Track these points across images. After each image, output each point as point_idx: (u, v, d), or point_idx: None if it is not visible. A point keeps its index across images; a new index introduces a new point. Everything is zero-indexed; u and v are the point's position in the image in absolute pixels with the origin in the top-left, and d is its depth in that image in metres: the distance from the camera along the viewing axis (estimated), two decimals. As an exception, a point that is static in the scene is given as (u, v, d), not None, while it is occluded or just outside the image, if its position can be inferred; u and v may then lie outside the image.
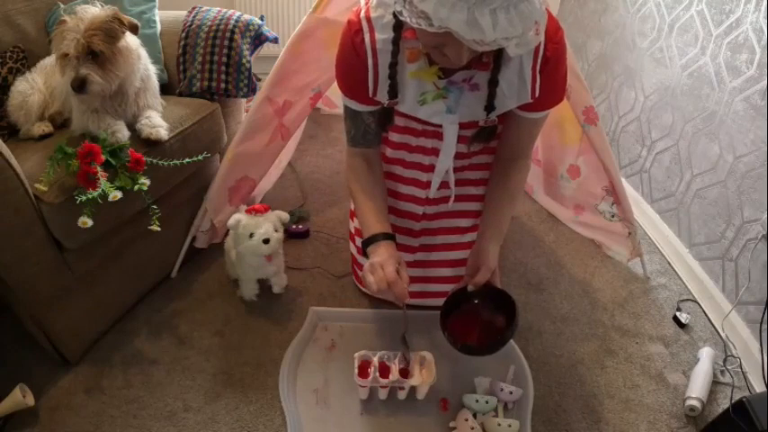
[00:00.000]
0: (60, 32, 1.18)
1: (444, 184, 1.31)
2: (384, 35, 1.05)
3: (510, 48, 0.89)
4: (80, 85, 1.18)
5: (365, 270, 1.14)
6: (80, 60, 1.17)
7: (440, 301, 1.35)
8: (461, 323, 1.20)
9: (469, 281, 1.18)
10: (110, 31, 1.19)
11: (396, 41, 1.05)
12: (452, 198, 1.32)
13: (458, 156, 1.29)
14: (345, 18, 1.11)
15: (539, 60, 1.05)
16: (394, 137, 1.32)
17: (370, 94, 1.14)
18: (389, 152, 1.34)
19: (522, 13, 0.83)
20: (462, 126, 1.18)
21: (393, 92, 1.10)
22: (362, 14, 1.06)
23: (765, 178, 1.39)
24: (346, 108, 1.22)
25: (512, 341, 1.42)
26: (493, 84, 1.06)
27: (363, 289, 1.55)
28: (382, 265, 1.12)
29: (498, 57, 1.03)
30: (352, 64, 1.10)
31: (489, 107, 1.09)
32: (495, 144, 1.30)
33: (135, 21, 1.26)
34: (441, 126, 1.18)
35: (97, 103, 1.27)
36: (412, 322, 1.35)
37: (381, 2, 1.04)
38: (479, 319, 1.22)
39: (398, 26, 1.03)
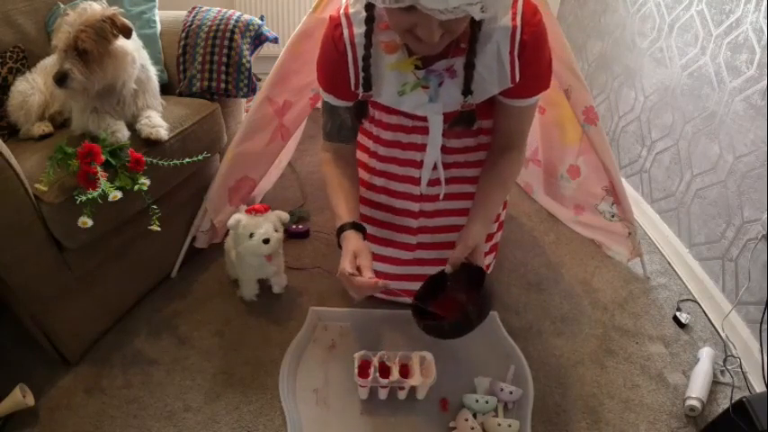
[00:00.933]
0: (59, 25, 1.19)
1: (437, 182, 1.31)
2: (360, 29, 1.08)
3: (475, 12, 0.88)
4: (60, 79, 1.17)
5: (339, 278, 1.12)
6: (66, 54, 1.17)
7: None
8: (441, 307, 1.14)
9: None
10: (100, 30, 1.19)
11: (368, 35, 1.07)
12: (443, 193, 1.32)
13: (453, 152, 1.30)
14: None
15: (516, 44, 1.05)
16: (386, 135, 1.32)
17: (352, 88, 1.15)
18: (383, 150, 1.35)
19: None
20: (447, 118, 1.18)
21: (367, 84, 1.12)
22: (342, 11, 1.10)
23: (765, 178, 1.39)
24: (324, 102, 1.24)
25: (511, 341, 1.42)
26: (469, 67, 1.06)
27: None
28: (342, 270, 1.10)
29: (473, 40, 1.04)
30: (332, 58, 1.13)
31: (466, 91, 1.09)
32: (490, 140, 1.30)
33: (129, 24, 1.25)
34: (424, 114, 1.19)
35: (94, 102, 1.27)
36: (413, 322, 1.34)
37: None
38: (452, 299, 1.16)
39: (370, 19, 1.05)
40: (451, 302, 1.15)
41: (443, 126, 1.20)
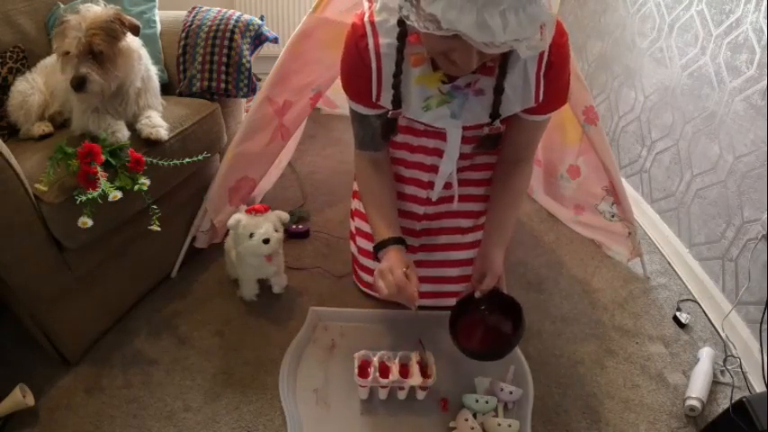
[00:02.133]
0: (62, 30, 1.18)
1: (447, 185, 1.31)
2: (388, 39, 1.04)
3: (521, 49, 0.88)
4: (79, 84, 1.18)
5: (376, 275, 1.15)
6: (80, 59, 1.18)
7: (442, 302, 1.35)
8: (469, 329, 1.22)
9: (477, 286, 1.20)
10: (111, 31, 1.20)
11: (400, 50, 1.04)
12: (456, 198, 1.32)
13: (460, 156, 1.29)
14: (346, 19, 1.11)
15: (543, 65, 1.04)
16: (396, 137, 1.32)
17: (374, 99, 1.13)
18: (390, 151, 1.34)
19: (531, 15, 0.82)
20: (466, 127, 1.17)
21: (397, 101, 1.10)
22: (366, 18, 1.05)
23: (765, 178, 1.39)
24: (353, 112, 1.21)
25: (512, 341, 1.43)
26: (498, 91, 1.06)
27: (365, 290, 1.55)
28: (391, 269, 1.13)
29: (504, 63, 1.03)
30: (357, 68, 1.10)
31: (494, 114, 1.09)
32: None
33: (136, 22, 1.26)
34: (443, 127, 1.18)
35: (98, 103, 1.27)
36: (413, 322, 1.35)
37: (385, 6, 1.03)
38: (486, 324, 1.24)
39: (403, 34, 1.02)
40: (481, 322, 1.25)
41: (464, 133, 1.19)
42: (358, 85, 1.14)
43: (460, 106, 1.10)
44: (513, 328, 1.19)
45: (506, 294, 1.21)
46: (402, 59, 1.05)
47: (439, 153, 1.26)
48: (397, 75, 1.06)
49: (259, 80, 1.59)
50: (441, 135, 1.22)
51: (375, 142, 1.24)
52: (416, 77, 1.08)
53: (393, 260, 1.15)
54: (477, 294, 1.19)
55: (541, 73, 1.05)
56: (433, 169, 1.30)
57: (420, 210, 1.37)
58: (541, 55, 1.03)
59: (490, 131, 1.12)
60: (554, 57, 1.04)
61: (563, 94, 1.16)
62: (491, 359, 1.21)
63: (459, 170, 1.31)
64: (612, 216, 1.72)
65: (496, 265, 1.18)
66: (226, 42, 1.55)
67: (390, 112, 1.13)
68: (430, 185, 1.33)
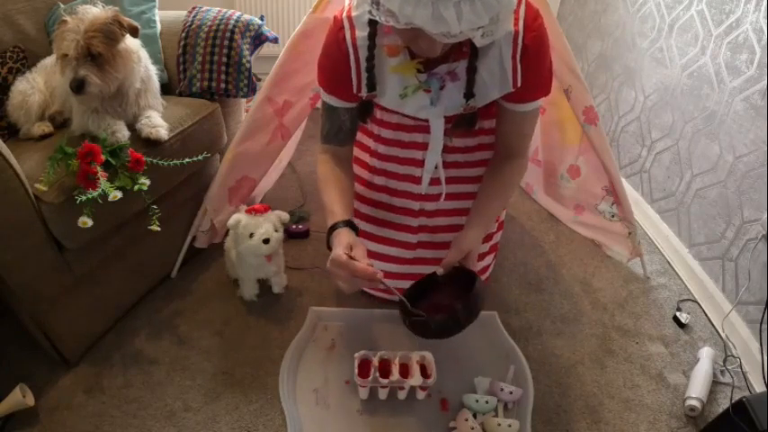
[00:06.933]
0: (61, 33, 1.19)
1: (438, 182, 1.31)
2: (363, 32, 1.08)
3: (476, 39, 0.90)
4: (78, 86, 1.18)
5: (329, 270, 1.09)
6: (79, 61, 1.18)
7: None
8: (428, 309, 1.12)
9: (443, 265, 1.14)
10: (109, 33, 1.20)
11: (371, 37, 1.07)
12: (443, 195, 1.32)
13: (453, 151, 1.30)
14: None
15: (518, 49, 1.05)
16: (387, 133, 1.32)
17: (355, 90, 1.15)
18: (383, 149, 1.35)
19: (486, 3, 0.84)
20: (449, 120, 1.18)
21: (371, 85, 1.12)
22: (345, 14, 1.10)
23: (765, 178, 1.39)
24: (324, 104, 1.24)
25: (511, 341, 1.42)
26: (471, 71, 1.07)
27: (365, 289, 1.52)
28: (335, 260, 1.07)
29: (476, 45, 1.04)
30: (335, 59, 1.13)
31: (468, 94, 1.10)
32: (491, 140, 1.30)
33: (135, 23, 1.26)
34: (426, 118, 1.19)
35: (97, 104, 1.27)
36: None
37: (362, 1, 1.07)
38: (446, 305, 1.13)
39: (373, 23, 1.05)
40: (439, 304, 1.15)
41: (446, 126, 1.20)
42: (334, 76, 1.16)
43: (438, 93, 1.12)
44: (465, 304, 1.02)
45: (466, 269, 1.11)
46: (374, 46, 1.08)
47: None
48: (370, 59, 1.09)
49: (259, 80, 1.60)
50: (429, 130, 1.23)
51: (339, 137, 1.26)
52: (392, 67, 1.11)
53: (337, 244, 1.10)
54: (439, 271, 1.13)
55: (517, 56, 1.06)
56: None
57: (415, 206, 1.37)
58: (516, 38, 1.04)
59: (465, 111, 1.13)
60: (529, 40, 1.05)
61: (546, 80, 1.15)
62: (432, 334, 1.07)
63: (456, 166, 1.31)
64: (612, 216, 1.72)
65: (465, 241, 1.13)
66: (226, 42, 1.55)
67: (365, 95, 1.15)
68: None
